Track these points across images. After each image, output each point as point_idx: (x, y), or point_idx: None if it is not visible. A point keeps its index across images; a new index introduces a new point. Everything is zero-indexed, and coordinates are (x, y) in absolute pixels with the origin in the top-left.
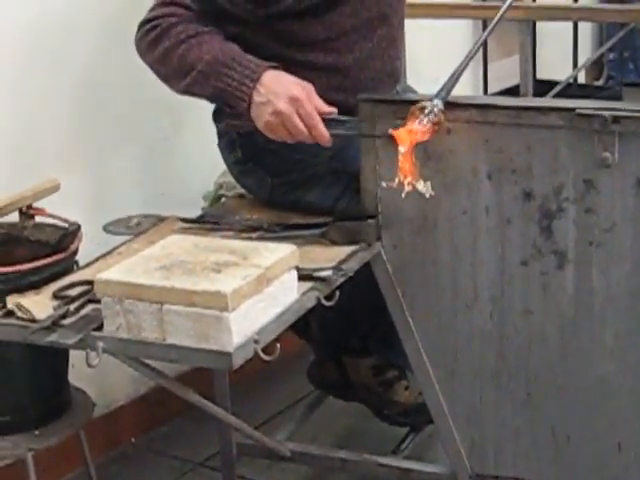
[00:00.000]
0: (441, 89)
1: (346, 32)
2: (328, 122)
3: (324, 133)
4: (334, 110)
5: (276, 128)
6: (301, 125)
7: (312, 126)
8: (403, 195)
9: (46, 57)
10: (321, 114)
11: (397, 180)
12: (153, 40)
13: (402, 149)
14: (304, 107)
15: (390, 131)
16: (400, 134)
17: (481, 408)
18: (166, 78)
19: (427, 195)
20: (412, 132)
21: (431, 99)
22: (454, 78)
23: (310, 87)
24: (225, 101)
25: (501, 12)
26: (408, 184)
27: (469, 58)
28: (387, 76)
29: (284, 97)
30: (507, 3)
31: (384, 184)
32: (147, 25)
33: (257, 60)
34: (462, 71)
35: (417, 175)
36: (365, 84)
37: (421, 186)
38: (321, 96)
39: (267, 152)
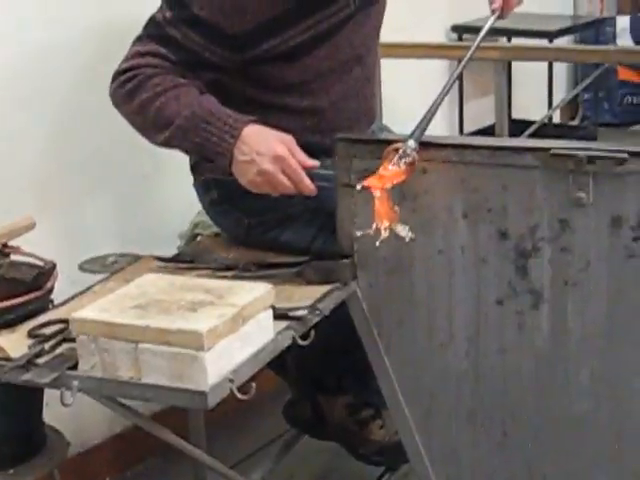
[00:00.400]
0: (415, 129)
1: (322, 74)
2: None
3: (310, 186)
4: (317, 163)
5: (261, 185)
6: (287, 181)
7: (298, 181)
8: (377, 244)
9: (24, 94)
10: (304, 168)
11: (374, 226)
12: (130, 91)
13: (377, 194)
14: (289, 164)
15: (363, 184)
16: (373, 181)
17: (457, 447)
18: (143, 130)
19: (407, 239)
20: (386, 177)
21: (405, 140)
22: (427, 118)
23: (291, 140)
24: (205, 156)
25: (470, 52)
26: (385, 229)
27: (441, 98)
28: (363, 115)
29: (268, 156)
30: (475, 43)
31: (359, 233)
32: (123, 76)
33: (236, 114)
34: (435, 111)
35: (396, 218)
36: (341, 124)
37: (400, 230)
38: (297, 138)
39: (242, 193)
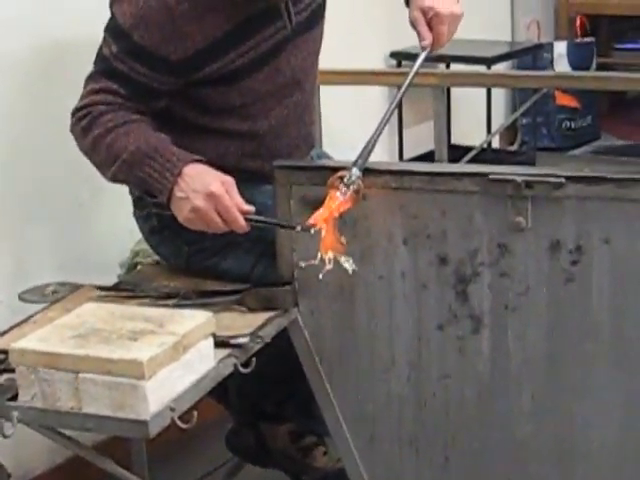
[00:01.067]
0: (358, 157)
1: (262, 98)
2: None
3: (242, 225)
4: (252, 209)
5: (195, 222)
6: (218, 220)
7: (230, 221)
8: (320, 276)
9: None
10: (240, 212)
11: (319, 257)
12: (83, 128)
13: (324, 227)
14: (222, 203)
15: (308, 222)
16: (318, 216)
17: (401, 473)
18: (97, 166)
19: (350, 271)
20: (332, 207)
21: (349, 168)
22: (370, 146)
23: (230, 182)
24: (146, 191)
25: (405, 85)
26: (329, 260)
27: (382, 125)
28: (302, 142)
29: (202, 194)
30: (408, 78)
31: (302, 264)
32: (78, 113)
33: (181, 153)
34: (377, 138)
35: (341, 250)
36: (280, 150)
37: (344, 261)
38: (236, 163)
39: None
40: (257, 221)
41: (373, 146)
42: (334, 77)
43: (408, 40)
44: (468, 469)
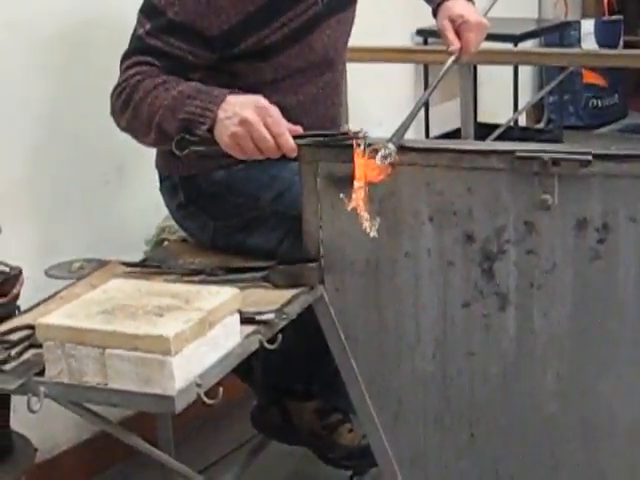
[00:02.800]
0: (394, 135)
1: (293, 74)
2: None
3: (290, 142)
4: (299, 129)
5: (242, 138)
6: (267, 134)
7: (278, 134)
8: (349, 208)
9: None
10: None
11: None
12: (124, 102)
13: (357, 184)
14: (271, 115)
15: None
16: (359, 164)
17: (425, 450)
18: (138, 132)
19: (371, 234)
20: (369, 167)
21: (385, 143)
22: (406, 124)
23: (264, 104)
24: (189, 129)
25: (435, 83)
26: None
27: (420, 105)
28: (329, 122)
29: (250, 106)
30: (441, 74)
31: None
32: (116, 91)
33: (220, 89)
34: (413, 117)
35: (366, 212)
36: (307, 127)
37: (366, 221)
38: None
39: (209, 196)
40: (306, 136)
41: (408, 125)
42: (361, 54)
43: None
44: (493, 446)
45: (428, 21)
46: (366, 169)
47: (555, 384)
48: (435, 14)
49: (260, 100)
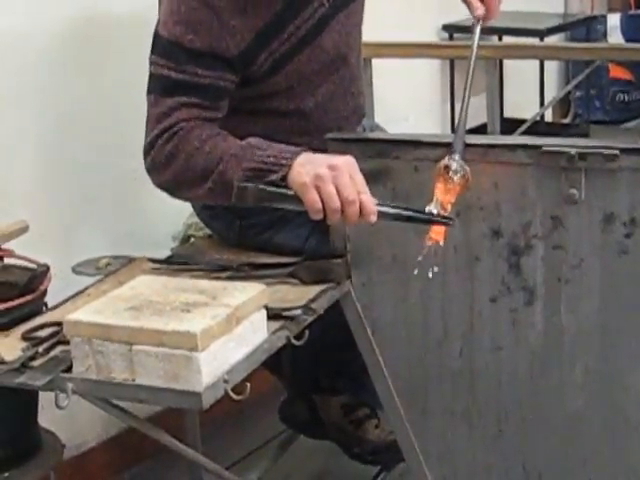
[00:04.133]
0: (455, 144)
1: (306, 78)
2: None
3: (371, 202)
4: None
5: (325, 181)
6: (351, 184)
7: (363, 190)
8: (420, 258)
9: (12, 102)
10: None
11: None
12: (171, 153)
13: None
14: (357, 171)
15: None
16: (441, 190)
17: (452, 445)
18: (187, 183)
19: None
20: (445, 197)
21: (450, 156)
22: (461, 128)
23: (354, 162)
24: (258, 175)
25: (474, 53)
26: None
27: (466, 106)
28: (352, 114)
29: (325, 164)
30: (475, 42)
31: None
32: (159, 140)
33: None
34: (465, 121)
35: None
36: (329, 125)
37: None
38: (285, 140)
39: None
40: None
41: (464, 127)
42: (387, 50)
43: (460, 13)
44: (520, 442)
45: (454, 16)
46: (445, 193)
47: (583, 379)
48: None
49: (336, 159)
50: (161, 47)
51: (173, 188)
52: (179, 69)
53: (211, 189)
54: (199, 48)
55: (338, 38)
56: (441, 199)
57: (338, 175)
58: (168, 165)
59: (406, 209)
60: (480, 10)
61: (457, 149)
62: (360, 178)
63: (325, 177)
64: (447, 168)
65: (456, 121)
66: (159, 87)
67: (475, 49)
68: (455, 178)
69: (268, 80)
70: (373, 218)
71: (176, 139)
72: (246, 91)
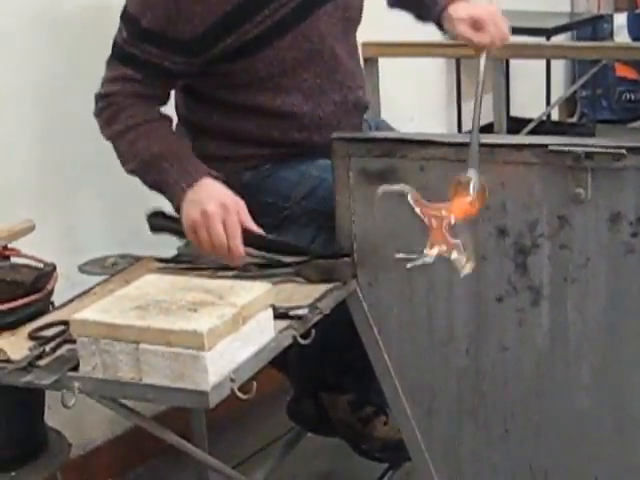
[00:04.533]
0: (470, 158)
1: (289, 67)
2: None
3: (239, 249)
4: (261, 232)
5: (199, 228)
6: (221, 232)
7: (232, 237)
8: (408, 266)
9: (12, 99)
10: (248, 231)
11: (427, 249)
12: (106, 120)
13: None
14: (231, 216)
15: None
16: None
17: (458, 445)
18: (118, 156)
19: (462, 273)
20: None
21: (466, 172)
22: (475, 141)
23: (242, 204)
24: (161, 192)
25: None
26: (429, 257)
27: (477, 118)
28: (352, 108)
29: (215, 201)
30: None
31: (398, 255)
32: (100, 103)
33: (199, 165)
34: (478, 136)
35: (450, 249)
36: (327, 120)
37: (454, 258)
38: (283, 137)
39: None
40: (259, 247)
41: (478, 140)
42: (393, 49)
43: None
44: (527, 441)
45: None
46: (460, 208)
47: (589, 378)
48: (440, 25)
49: (227, 199)
50: (125, 18)
51: (112, 147)
52: (132, 43)
53: (129, 172)
54: (154, 29)
55: (324, 28)
56: (455, 214)
57: (209, 223)
58: (104, 129)
59: (273, 249)
60: (486, 39)
61: (472, 164)
62: (233, 223)
63: (199, 224)
64: (460, 183)
65: (468, 139)
66: (116, 51)
67: (482, 80)
68: (471, 194)
69: (243, 63)
70: (237, 262)
71: (110, 111)
72: (226, 83)
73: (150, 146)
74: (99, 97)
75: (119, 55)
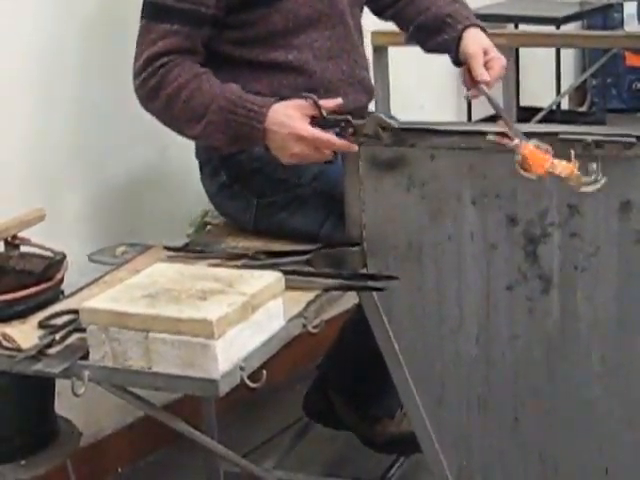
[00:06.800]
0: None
1: (302, 24)
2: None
3: (342, 143)
4: (340, 101)
5: (302, 161)
6: (319, 153)
7: (329, 145)
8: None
9: (28, 89)
10: (329, 109)
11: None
12: (153, 88)
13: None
14: (316, 138)
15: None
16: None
17: (468, 434)
18: (172, 123)
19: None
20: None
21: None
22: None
23: (306, 105)
24: (241, 145)
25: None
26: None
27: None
28: (357, 83)
29: (294, 138)
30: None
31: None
32: (143, 73)
33: (257, 99)
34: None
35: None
36: (334, 86)
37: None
38: (291, 96)
39: (251, 172)
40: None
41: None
42: (402, 38)
43: (478, 1)
44: (536, 430)
45: (471, 3)
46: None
47: (599, 367)
48: (457, 41)
49: (298, 124)
50: None
51: (161, 120)
52: None
53: (197, 137)
54: None
55: None
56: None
57: (304, 158)
58: (150, 100)
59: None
60: (490, 77)
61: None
62: (322, 141)
63: (297, 160)
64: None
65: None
66: (148, 13)
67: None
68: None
69: (261, 11)
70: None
71: (158, 77)
72: (243, 37)
73: (209, 101)
74: (140, 68)
75: (153, 13)
